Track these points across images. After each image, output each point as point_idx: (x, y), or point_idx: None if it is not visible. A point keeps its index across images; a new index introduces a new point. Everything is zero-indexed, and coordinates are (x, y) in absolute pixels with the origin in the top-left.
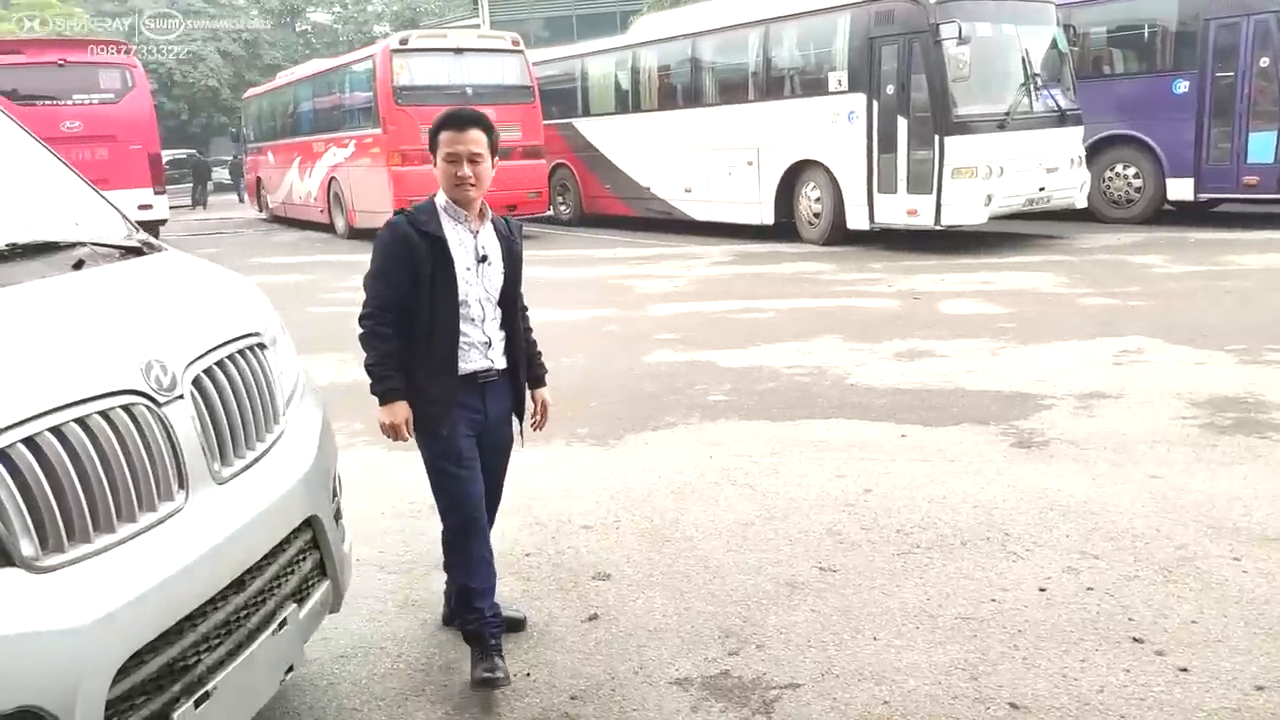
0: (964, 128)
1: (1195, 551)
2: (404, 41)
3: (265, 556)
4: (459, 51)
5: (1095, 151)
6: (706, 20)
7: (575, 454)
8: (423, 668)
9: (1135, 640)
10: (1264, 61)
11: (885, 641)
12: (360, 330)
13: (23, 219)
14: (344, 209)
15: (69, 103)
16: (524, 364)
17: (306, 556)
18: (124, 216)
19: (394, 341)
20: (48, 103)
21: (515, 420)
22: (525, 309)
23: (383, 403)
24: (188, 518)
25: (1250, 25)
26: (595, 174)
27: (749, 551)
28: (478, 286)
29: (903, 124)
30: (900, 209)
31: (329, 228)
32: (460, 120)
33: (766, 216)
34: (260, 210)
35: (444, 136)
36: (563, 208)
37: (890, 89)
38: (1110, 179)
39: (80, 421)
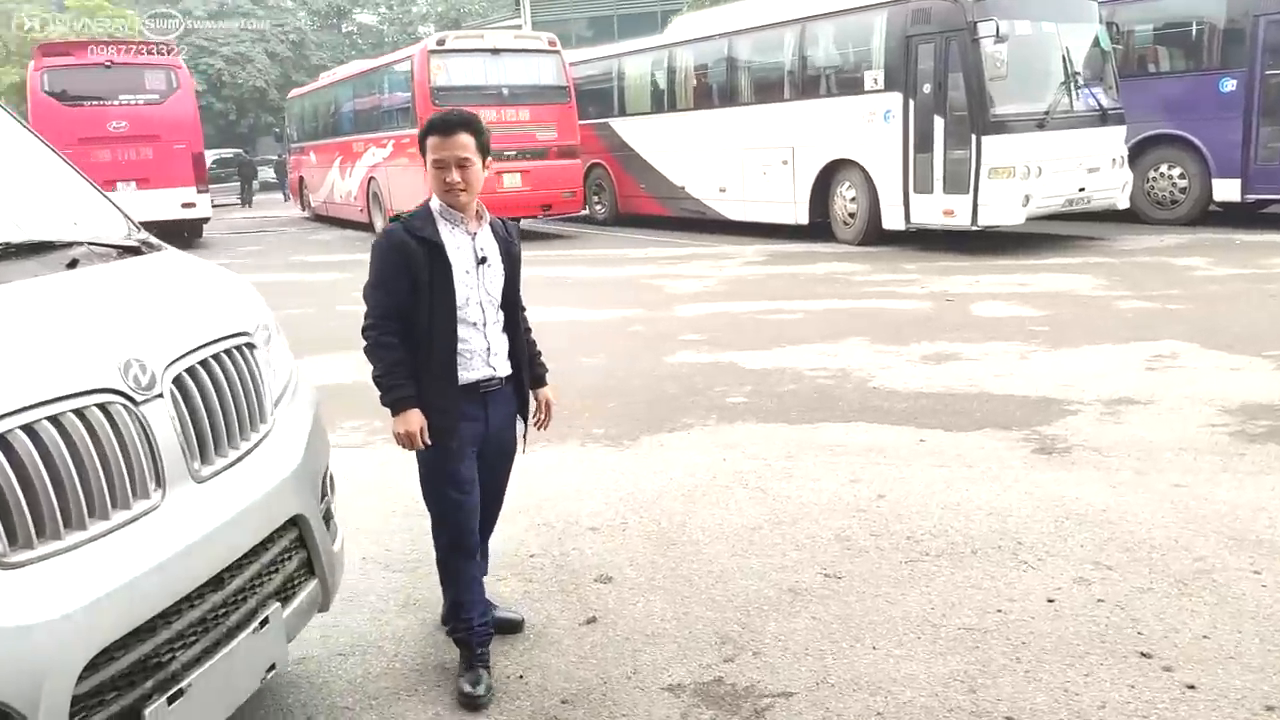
0: (1001, 127)
1: (1214, 564)
2: (441, 42)
3: (246, 555)
4: (496, 52)
5: (1139, 151)
6: (742, 19)
7: (589, 455)
8: (418, 667)
9: (1143, 655)
10: None
11: (885, 651)
12: (365, 342)
13: (21, 218)
14: (382, 208)
15: (115, 103)
16: (527, 367)
17: (292, 555)
18: (125, 216)
19: (400, 350)
20: (95, 103)
21: (520, 422)
22: (524, 309)
23: (395, 412)
24: (164, 516)
25: None
26: (630, 173)
27: (754, 556)
28: (478, 289)
29: (939, 123)
30: (936, 209)
31: (369, 227)
32: (446, 125)
33: (801, 216)
34: (303, 209)
35: (430, 142)
36: (598, 207)
37: (927, 88)
38: (1154, 179)
39: (54, 419)
